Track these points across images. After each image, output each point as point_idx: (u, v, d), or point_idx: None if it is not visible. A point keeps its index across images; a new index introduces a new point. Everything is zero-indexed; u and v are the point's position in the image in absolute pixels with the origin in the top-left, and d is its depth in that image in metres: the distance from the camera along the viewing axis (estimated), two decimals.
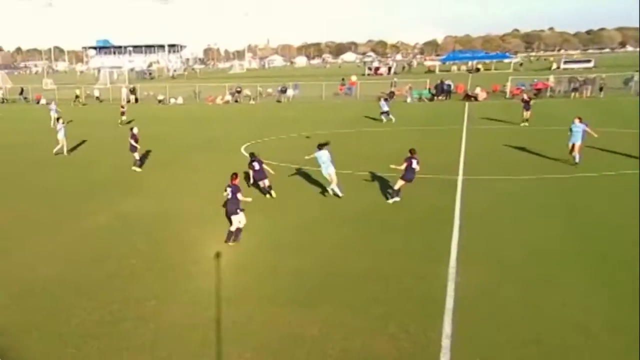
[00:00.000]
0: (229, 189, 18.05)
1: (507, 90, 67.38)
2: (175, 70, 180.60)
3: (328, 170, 23.04)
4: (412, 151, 22.29)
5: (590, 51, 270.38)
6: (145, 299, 14.09)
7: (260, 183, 24.24)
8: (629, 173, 25.59)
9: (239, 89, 76.05)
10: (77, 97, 75.41)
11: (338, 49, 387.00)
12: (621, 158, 28.81)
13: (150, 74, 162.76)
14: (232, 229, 18.01)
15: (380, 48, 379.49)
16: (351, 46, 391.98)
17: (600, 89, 63.28)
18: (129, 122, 47.28)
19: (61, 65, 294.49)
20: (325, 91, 73.48)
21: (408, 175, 21.92)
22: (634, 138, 33.23)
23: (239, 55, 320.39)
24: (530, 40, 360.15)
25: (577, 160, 27.12)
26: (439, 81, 70.30)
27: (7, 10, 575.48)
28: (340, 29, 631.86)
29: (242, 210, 18.08)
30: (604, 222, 19.08)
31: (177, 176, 28.44)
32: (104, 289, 14.79)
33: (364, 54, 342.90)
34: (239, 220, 18.01)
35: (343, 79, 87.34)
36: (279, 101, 72.04)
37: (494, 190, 23.61)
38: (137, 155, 30.44)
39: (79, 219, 21.16)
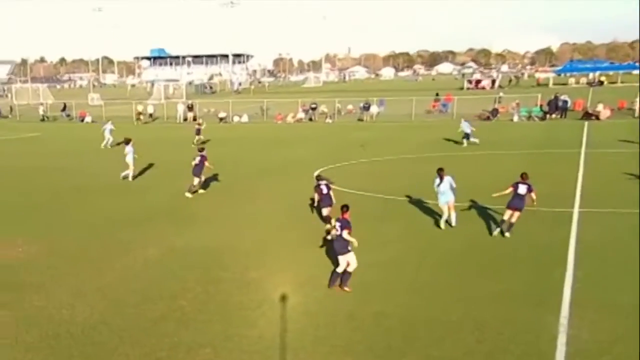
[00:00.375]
0: (337, 223, 18.06)
1: (636, 107, 65.95)
2: (240, 84, 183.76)
3: (447, 199, 23.67)
4: (523, 176, 22.77)
5: None
6: (198, 345, 14.29)
7: (324, 210, 24.66)
8: None
9: (313, 105, 76.85)
10: (140, 114, 77.76)
11: (432, 59, 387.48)
12: None
13: (211, 87, 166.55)
14: (339, 270, 17.86)
15: (482, 58, 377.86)
16: (448, 55, 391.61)
17: None
18: (205, 142, 48.58)
19: (110, 78, 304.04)
20: (416, 108, 73.41)
21: (513, 202, 22.13)
22: None
23: (315, 66, 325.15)
24: None
25: None
26: (552, 96, 69.45)
27: (51, 16, 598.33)
28: (434, 35, 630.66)
29: (350, 250, 17.79)
30: None
31: (239, 205, 28.89)
32: (150, 333, 15.07)
33: (462, 64, 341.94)
34: (347, 261, 17.75)
35: (437, 94, 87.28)
36: (360, 119, 72.44)
37: (616, 226, 23.12)
38: (196, 181, 31.33)
39: (126, 253, 21.68)
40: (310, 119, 74.21)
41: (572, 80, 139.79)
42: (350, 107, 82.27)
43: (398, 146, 47.23)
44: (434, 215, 25.31)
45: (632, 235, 21.87)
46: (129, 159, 36.01)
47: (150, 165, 40.61)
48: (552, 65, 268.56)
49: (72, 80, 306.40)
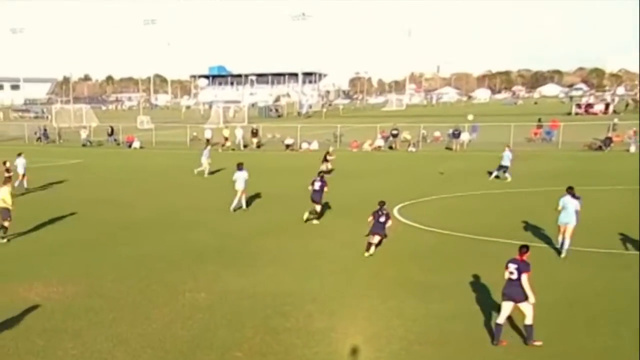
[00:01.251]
0: (513, 265, 17.92)
1: None
2: (310, 106, 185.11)
3: (567, 221, 25.94)
4: None
5: None
6: None
7: (374, 238, 26.81)
8: None
9: (395, 132, 76.83)
10: (226, 139, 79.27)
11: (534, 80, 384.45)
12: None
13: (276, 110, 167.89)
14: (500, 321, 17.72)
15: (594, 78, 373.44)
16: (553, 76, 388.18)
17: None
18: (329, 171, 49.58)
19: (162, 99, 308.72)
20: (515, 135, 72.72)
21: None
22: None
23: (398, 87, 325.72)
24: None
25: None
26: None
27: (98, 29, 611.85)
28: (538, 52, 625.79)
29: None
30: None
31: (306, 245, 29.01)
32: None
33: (570, 86, 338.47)
34: (529, 309, 17.57)
35: (540, 120, 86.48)
36: (449, 148, 72.20)
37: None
38: (318, 208, 33.55)
39: (173, 297, 21.90)
40: (391, 147, 74.20)
41: None
42: (437, 133, 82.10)
43: (489, 179, 46.91)
44: (532, 260, 24.98)
45: None
46: (239, 185, 37.03)
47: (200, 198, 41.08)
48: None
49: (120, 101, 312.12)
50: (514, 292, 17.51)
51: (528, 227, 30.88)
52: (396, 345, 17.40)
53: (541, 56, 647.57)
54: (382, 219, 26.90)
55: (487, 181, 45.97)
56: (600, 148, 66.09)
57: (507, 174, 46.45)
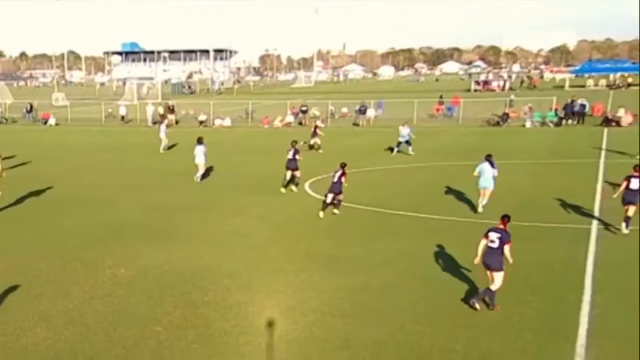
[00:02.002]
0: (495, 235, 17.98)
1: None
2: (222, 83, 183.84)
3: (486, 185, 28.24)
4: (635, 168, 25.09)
5: None
6: None
7: (329, 196, 28.87)
8: None
9: (304, 108, 76.80)
10: (162, 116, 77.41)
11: (435, 57, 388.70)
12: None
13: (189, 87, 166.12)
14: (493, 288, 17.84)
15: (491, 56, 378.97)
16: (453, 53, 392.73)
17: None
18: (318, 148, 50.04)
19: (76, 76, 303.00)
20: (418, 112, 73.42)
21: (627, 197, 24.60)
22: None
23: (306, 64, 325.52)
24: None
25: None
26: (569, 100, 69.67)
27: (10, 4, 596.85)
28: (438, 31, 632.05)
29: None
30: None
31: (221, 221, 28.89)
32: None
33: (469, 63, 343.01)
34: (499, 279, 17.74)
35: (441, 96, 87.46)
36: (356, 124, 72.55)
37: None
38: (289, 174, 34.68)
39: (93, 273, 21.64)
40: (301, 123, 74.15)
41: (590, 81, 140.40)
42: (344, 110, 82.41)
43: (395, 154, 47.33)
44: (436, 233, 25.48)
45: None
46: (199, 159, 38.09)
47: (118, 175, 40.67)
48: (568, 65, 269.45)
49: (34, 78, 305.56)
50: (492, 260, 17.72)
51: (434, 200, 31.35)
52: (310, 317, 17.51)
53: (441, 34, 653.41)
54: (335, 179, 28.38)
55: (394, 156, 46.39)
56: (498, 124, 67.18)
57: (410, 148, 46.94)
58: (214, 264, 22.34)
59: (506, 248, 17.53)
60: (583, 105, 68.64)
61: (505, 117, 68.28)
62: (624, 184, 24.85)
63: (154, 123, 75.77)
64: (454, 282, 19.99)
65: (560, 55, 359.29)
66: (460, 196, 31.99)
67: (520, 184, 33.16)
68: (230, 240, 25.56)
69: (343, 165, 29.67)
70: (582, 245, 23.24)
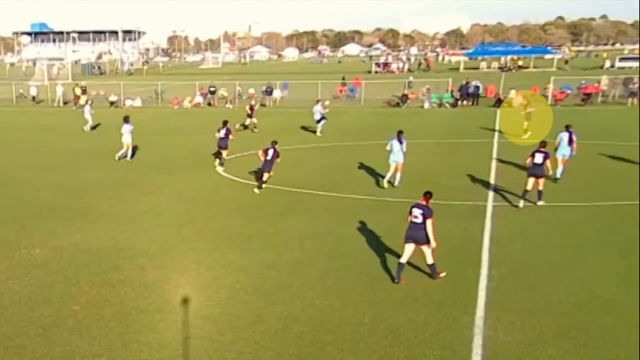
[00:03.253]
0: (418, 211, 17.95)
1: (549, 94, 67.76)
2: (132, 64, 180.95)
3: (396, 159, 29.01)
4: (541, 144, 26.23)
5: None
6: (93, 355, 14.13)
7: (265, 175, 29.21)
8: None
9: (212, 89, 76.25)
10: (77, 97, 75.48)
11: (337, 40, 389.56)
12: None
13: (99, 67, 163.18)
14: (403, 260, 18.00)
15: (390, 39, 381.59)
16: (354, 36, 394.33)
17: None
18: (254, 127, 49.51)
19: None
20: (322, 93, 73.52)
21: (531, 171, 25.54)
22: None
23: (213, 45, 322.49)
24: (577, 31, 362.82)
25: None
26: (463, 82, 70.68)
27: None
28: (340, 13, 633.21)
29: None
30: None
31: (134, 201, 28.52)
32: (40, 342, 14.80)
33: (370, 45, 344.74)
34: (428, 251, 17.87)
35: (344, 78, 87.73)
36: (263, 105, 72.20)
37: (532, 220, 23.80)
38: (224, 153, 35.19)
39: (8, 254, 21.19)
40: (209, 104, 73.69)
41: (483, 64, 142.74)
42: (251, 91, 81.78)
43: (302, 134, 47.42)
44: (342, 211, 25.68)
45: (547, 230, 22.60)
46: (126, 138, 37.83)
47: (32, 155, 39.82)
48: (463, 48, 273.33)
49: None
50: (418, 235, 17.73)
51: (340, 179, 31.48)
52: (223, 294, 17.46)
53: (343, 17, 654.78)
54: (269, 157, 28.94)
55: (299, 136, 46.47)
56: (398, 104, 67.77)
57: (319, 128, 47.07)
58: (129, 243, 22.09)
59: (428, 223, 17.60)
60: (477, 87, 69.72)
61: (404, 98, 68.91)
62: (530, 159, 25.65)
63: (65, 103, 74.49)
64: (360, 258, 20.14)
65: (455, 38, 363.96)
66: (365, 175, 32.26)
67: (421, 163, 33.51)
68: (144, 219, 25.27)
69: (274, 143, 29.90)
70: (479, 221, 23.65)
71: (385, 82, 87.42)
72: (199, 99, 74.38)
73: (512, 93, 64.60)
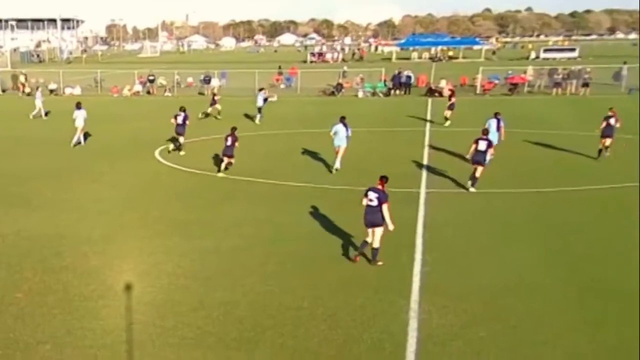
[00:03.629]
0: (373, 194, 17.99)
1: (478, 83, 68.54)
2: (70, 52, 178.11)
3: (339, 144, 29.73)
4: (483, 132, 27.07)
5: (574, 38, 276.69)
6: (37, 342, 13.93)
7: (224, 159, 29.48)
8: (624, 187, 26.39)
9: (151, 77, 75.39)
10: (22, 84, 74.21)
11: (273, 29, 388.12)
12: (614, 168, 29.66)
13: (38, 55, 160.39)
14: (376, 245, 18.04)
15: (325, 29, 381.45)
16: (289, 26, 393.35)
17: (586, 85, 64.67)
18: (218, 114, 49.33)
19: None
20: (259, 82, 73.26)
21: (475, 158, 26.01)
22: (633, 146, 34.19)
23: (151, 34, 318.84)
24: (504, 22, 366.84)
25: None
26: (396, 71, 71.02)
27: None
28: (275, 3, 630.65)
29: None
30: (595, 246, 19.59)
31: (75, 189, 28.06)
32: None
33: (305, 35, 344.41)
34: (379, 234, 17.96)
35: (280, 67, 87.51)
36: (201, 93, 71.74)
37: (463, 207, 24.08)
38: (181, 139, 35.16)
39: None
40: (149, 92, 72.78)
41: (414, 54, 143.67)
42: (190, 79, 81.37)
43: (240, 123, 47.17)
44: (280, 198, 25.69)
45: (477, 216, 22.88)
46: (79, 122, 37.75)
47: None
48: (395, 39, 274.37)
49: None
50: (375, 218, 17.80)
51: (278, 167, 31.45)
52: (165, 280, 17.34)
53: (278, 7, 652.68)
54: (229, 142, 29.20)
55: (238, 124, 45.94)
56: (333, 93, 67.84)
57: (258, 116, 46.97)
58: (71, 230, 21.82)
59: (384, 207, 17.68)
60: (409, 77, 70.03)
61: (339, 87, 69.00)
62: (473, 146, 26.07)
63: (3, 90, 73.26)
64: (298, 244, 20.15)
65: (387, 29, 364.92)
66: (303, 163, 32.32)
67: (355, 151, 33.52)
68: (85, 206, 24.96)
69: (233, 130, 30.05)
70: (413, 207, 23.81)
71: (321, 71, 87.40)
72: (138, 87, 73.50)
73: (443, 83, 65.21)
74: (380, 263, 18.07)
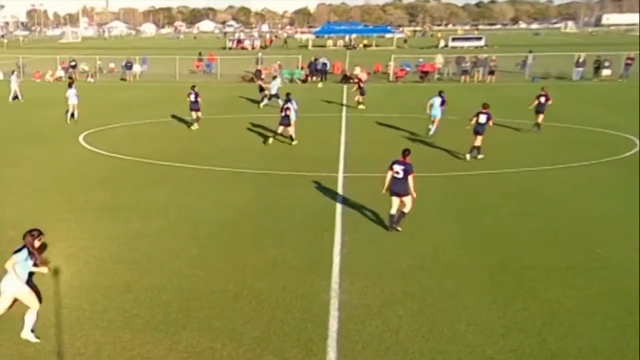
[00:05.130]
0: (399, 167, 18.96)
1: (390, 71, 69.09)
2: None
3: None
4: (484, 105, 29.06)
5: (480, 27, 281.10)
6: None
7: (280, 128, 32.58)
8: (532, 170, 26.97)
9: (73, 63, 74.06)
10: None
11: (193, 16, 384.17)
12: (523, 153, 30.31)
13: None
14: (393, 211, 19.18)
15: (242, 16, 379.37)
16: (208, 13, 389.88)
17: (492, 72, 65.87)
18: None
19: None
20: (180, 68, 72.62)
21: (476, 128, 28.47)
22: (541, 131, 35.02)
23: (72, 19, 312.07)
24: (414, 12, 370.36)
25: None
26: (312, 59, 71.07)
27: None
28: None
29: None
30: (507, 226, 19.96)
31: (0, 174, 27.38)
32: None
33: (223, 23, 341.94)
34: (405, 202, 19.08)
35: (200, 53, 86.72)
36: (123, 79, 70.74)
37: (380, 190, 24.21)
38: (195, 115, 38.05)
39: None
40: (71, 78, 71.26)
41: (330, 42, 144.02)
42: (112, 65, 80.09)
43: (163, 108, 46.63)
44: (201, 181, 25.52)
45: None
46: (72, 100, 40.27)
47: None
48: (310, 27, 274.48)
49: None
50: (401, 188, 18.88)
51: (199, 151, 31.20)
52: (93, 264, 17.03)
53: None
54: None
55: (160, 110, 45.65)
56: (252, 80, 67.50)
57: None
58: None
59: (410, 178, 18.81)
60: (325, 64, 70.19)
61: (259, 73, 68.65)
62: (475, 119, 28.63)
63: None
64: (220, 227, 20.02)
65: (302, 17, 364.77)
66: (225, 148, 32.05)
67: (278, 137, 33.54)
68: (10, 191, 24.31)
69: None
70: (331, 190, 23.89)
71: (239, 58, 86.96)
72: (60, 72, 72.13)
73: (357, 70, 65.53)
74: (400, 229, 18.77)
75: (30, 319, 13.18)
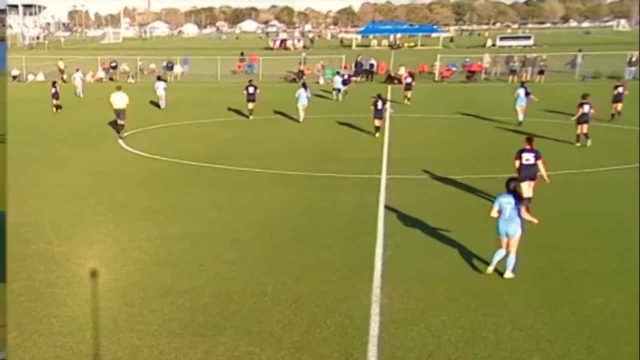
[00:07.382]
0: (529, 154, 20.65)
1: (436, 71, 68.77)
2: (33, 38, 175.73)
3: (303, 103, 39.79)
4: (584, 96, 31.56)
5: (529, 25, 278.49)
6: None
7: (376, 121, 35.13)
8: (594, 171, 26.85)
9: (114, 64, 74.85)
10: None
11: (235, 16, 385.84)
12: (583, 155, 30.00)
13: None
14: (527, 195, 20.49)
15: (285, 16, 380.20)
16: (251, 13, 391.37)
17: (541, 72, 65.14)
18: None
19: None
20: (221, 68, 73.04)
21: (583, 118, 30.95)
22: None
23: (113, 20, 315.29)
24: (461, 11, 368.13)
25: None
26: (358, 58, 71.03)
27: None
28: None
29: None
30: (554, 229, 19.73)
31: (40, 174, 27.78)
32: None
33: (266, 22, 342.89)
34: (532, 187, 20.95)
35: (242, 54, 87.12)
36: (164, 80, 71.15)
37: (423, 192, 24.12)
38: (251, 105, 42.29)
39: None
40: (111, 79, 72.20)
41: (374, 42, 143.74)
42: (152, 66, 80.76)
43: (203, 109, 46.94)
44: (239, 183, 25.63)
45: (436, 201, 22.95)
46: (161, 92, 47.68)
47: None
48: (355, 26, 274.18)
49: None
50: (532, 172, 20.67)
51: (238, 153, 31.34)
52: (131, 266, 17.18)
53: None
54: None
55: (201, 110, 45.96)
56: (294, 80, 67.64)
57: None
58: (36, 217, 21.53)
59: (540, 162, 20.55)
60: (371, 64, 70.18)
61: (300, 74, 68.84)
62: (580, 110, 31.15)
63: None
64: (260, 230, 20.09)
65: (346, 16, 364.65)
66: (263, 149, 32.16)
67: (317, 137, 33.65)
68: (50, 193, 24.69)
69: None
70: (374, 193, 23.85)
71: (282, 58, 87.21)
72: (101, 73, 72.92)
73: (402, 70, 65.26)
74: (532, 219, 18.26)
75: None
